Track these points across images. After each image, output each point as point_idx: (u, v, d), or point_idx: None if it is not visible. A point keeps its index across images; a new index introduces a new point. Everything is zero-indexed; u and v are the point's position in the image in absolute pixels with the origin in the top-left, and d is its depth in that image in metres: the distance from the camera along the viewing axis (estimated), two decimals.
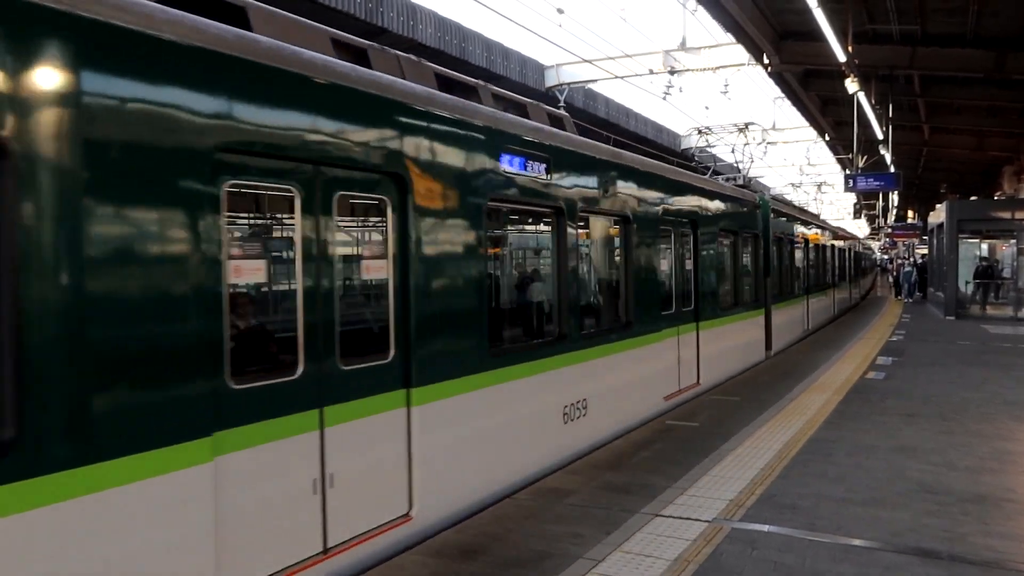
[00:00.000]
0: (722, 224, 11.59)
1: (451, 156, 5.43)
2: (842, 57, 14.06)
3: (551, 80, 22.19)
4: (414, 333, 4.96)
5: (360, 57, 5.32)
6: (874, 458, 6.92)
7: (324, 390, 4.31)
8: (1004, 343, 16.67)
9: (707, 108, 62.49)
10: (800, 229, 18.48)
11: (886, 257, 65.28)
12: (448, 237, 5.36)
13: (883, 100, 19.18)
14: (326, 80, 4.42)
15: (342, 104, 4.54)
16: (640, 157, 9.23)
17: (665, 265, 9.51)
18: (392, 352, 4.83)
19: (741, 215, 12.83)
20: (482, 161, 5.78)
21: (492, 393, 5.75)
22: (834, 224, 34.08)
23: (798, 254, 18.04)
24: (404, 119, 5.02)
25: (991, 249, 27.13)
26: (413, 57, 5.97)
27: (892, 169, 23.74)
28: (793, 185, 47.10)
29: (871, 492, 5.93)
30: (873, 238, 61.62)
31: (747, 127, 17.01)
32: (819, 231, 22.05)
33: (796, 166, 42.66)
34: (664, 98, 22.02)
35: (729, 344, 11.70)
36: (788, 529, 5.12)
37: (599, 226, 8.57)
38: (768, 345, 14.29)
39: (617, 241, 8.56)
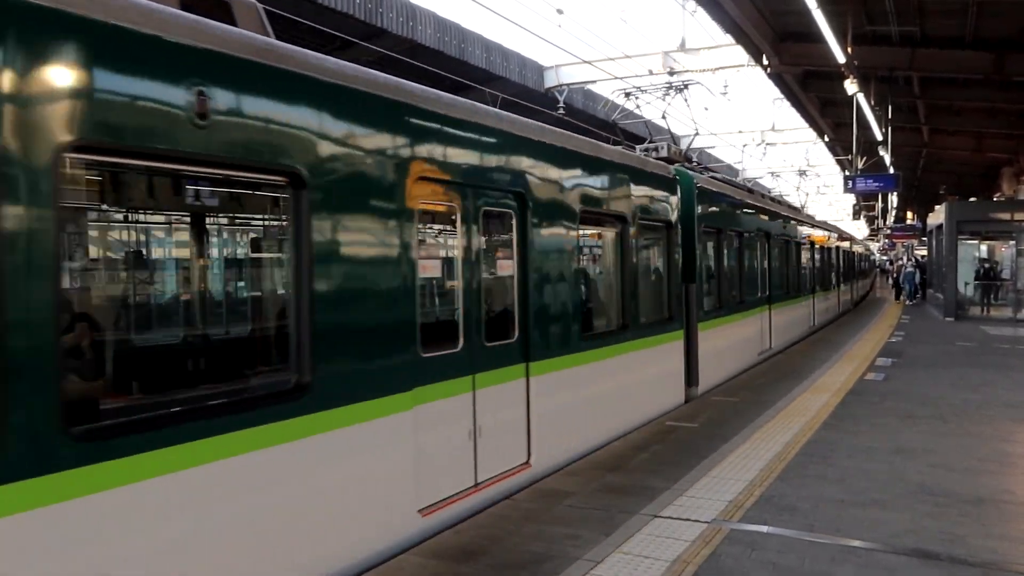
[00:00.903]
0: (588, 204, 7.46)
1: None
2: (841, 58, 14.10)
3: (551, 81, 22.28)
4: None
5: None
6: (873, 460, 6.92)
7: None
8: (1003, 344, 16.69)
9: (706, 109, 56.38)
10: (760, 221, 14.52)
11: (885, 258, 65.31)
12: None
13: (882, 101, 19.21)
14: None
15: None
16: (363, 69, 4.87)
17: (434, 269, 5.87)
18: None
19: (637, 195, 8.59)
20: None
21: None
22: (820, 218, 31.35)
23: (755, 253, 14.06)
24: None
25: (990, 250, 27.20)
26: None
27: (891, 170, 23.82)
28: (772, 174, 41.46)
29: (870, 494, 5.93)
30: (872, 239, 61.63)
31: (686, 87, 13.56)
32: (792, 224, 17.94)
33: (796, 167, 42.62)
34: (663, 99, 22.02)
35: (601, 391, 7.57)
36: (787, 530, 5.12)
37: (194, 191, 5.01)
38: (692, 380, 10.24)
39: (276, 225, 4.93)
